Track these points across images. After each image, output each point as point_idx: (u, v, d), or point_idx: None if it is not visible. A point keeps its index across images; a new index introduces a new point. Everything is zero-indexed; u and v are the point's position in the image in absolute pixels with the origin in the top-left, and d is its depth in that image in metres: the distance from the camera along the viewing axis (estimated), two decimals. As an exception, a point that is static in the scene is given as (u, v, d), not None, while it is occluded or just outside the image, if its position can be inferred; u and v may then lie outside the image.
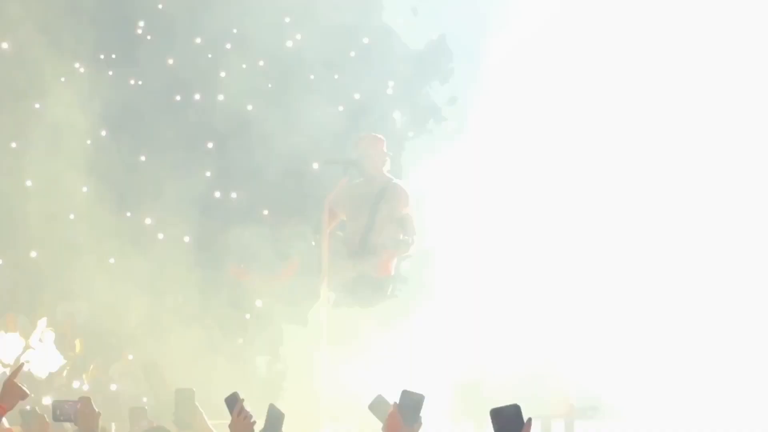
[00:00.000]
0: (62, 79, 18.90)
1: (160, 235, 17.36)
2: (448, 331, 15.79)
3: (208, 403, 13.57)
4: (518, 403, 3.88)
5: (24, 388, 5.34)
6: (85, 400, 5.36)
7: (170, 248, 17.35)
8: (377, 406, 4.75)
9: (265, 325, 15.59)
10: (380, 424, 4.50)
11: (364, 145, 10.07)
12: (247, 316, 15.18)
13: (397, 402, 4.44)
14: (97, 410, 5.35)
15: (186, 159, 18.40)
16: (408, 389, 4.48)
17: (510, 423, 3.85)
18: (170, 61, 19.55)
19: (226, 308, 16.16)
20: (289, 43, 19.71)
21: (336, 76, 19.46)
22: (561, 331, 15.04)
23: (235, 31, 19.58)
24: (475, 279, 14.94)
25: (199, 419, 5.24)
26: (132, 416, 9.06)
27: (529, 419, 3.83)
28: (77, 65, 19.44)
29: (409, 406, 4.40)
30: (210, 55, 19.80)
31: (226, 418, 6.76)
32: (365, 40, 20.01)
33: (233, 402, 4.97)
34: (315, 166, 17.66)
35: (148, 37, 19.88)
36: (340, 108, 18.84)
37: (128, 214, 17.73)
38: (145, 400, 14.10)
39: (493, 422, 3.89)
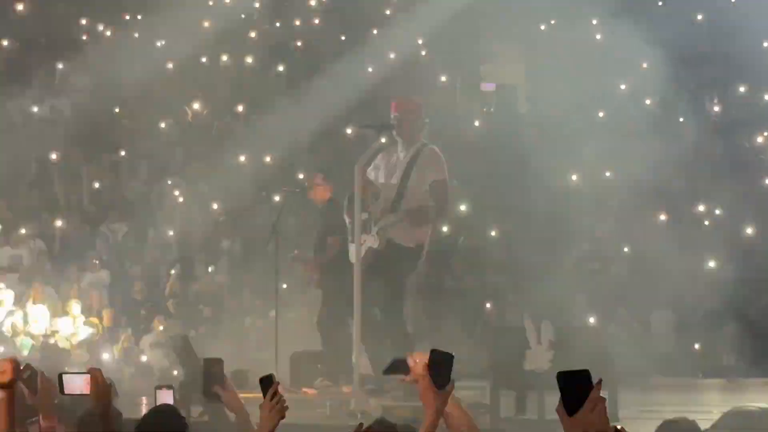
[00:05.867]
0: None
1: (186, 201, 17.43)
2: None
3: (235, 376, 13.60)
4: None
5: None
6: (95, 372, 5.11)
7: (199, 215, 17.44)
8: (395, 367, 4.42)
9: (298, 297, 15.67)
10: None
11: (400, 109, 10.05)
12: (284, 285, 15.24)
13: (427, 363, 4.27)
14: (109, 381, 5.15)
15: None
16: (436, 348, 4.31)
17: (579, 387, 3.64)
18: (205, 23, 19.58)
19: (260, 277, 16.23)
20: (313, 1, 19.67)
21: (376, 31, 19.41)
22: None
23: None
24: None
25: (228, 390, 5.15)
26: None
27: (600, 380, 3.63)
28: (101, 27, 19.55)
29: (440, 367, 4.28)
30: (243, 16, 19.83)
31: (254, 392, 6.76)
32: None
33: (268, 383, 4.82)
34: (348, 130, 17.68)
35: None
36: (370, 69, 18.81)
37: (152, 180, 17.83)
38: (175, 373, 14.20)
39: (561, 386, 3.65)
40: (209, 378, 5.16)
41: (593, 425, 3.59)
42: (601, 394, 3.61)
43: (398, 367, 4.39)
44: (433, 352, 4.33)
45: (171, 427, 5.22)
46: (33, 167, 18.00)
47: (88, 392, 5.13)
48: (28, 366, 5.56)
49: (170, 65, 18.97)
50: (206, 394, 5.21)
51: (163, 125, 18.62)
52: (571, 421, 3.60)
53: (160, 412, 5.35)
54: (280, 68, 19.21)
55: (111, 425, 5.13)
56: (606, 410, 3.62)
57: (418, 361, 4.32)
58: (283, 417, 4.82)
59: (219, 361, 5.21)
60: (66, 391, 5.20)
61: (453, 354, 4.29)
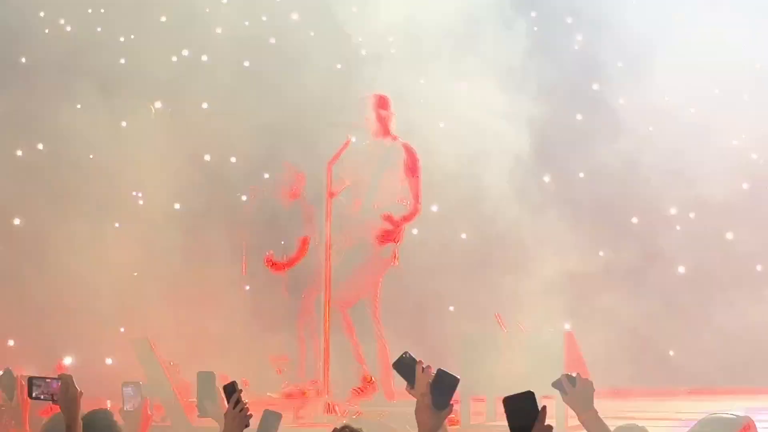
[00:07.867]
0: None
1: (146, 202, 17.32)
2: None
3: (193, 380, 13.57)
4: (532, 390, 3.70)
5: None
6: (66, 378, 5.06)
7: (159, 215, 17.32)
8: (403, 364, 4.36)
9: (265, 298, 15.64)
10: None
11: (372, 106, 10.06)
12: (247, 287, 15.17)
13: (431, 382, 4.22)
14: (79, 389, 5.06)
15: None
16: (444, 369, 4.26)
17: (525, 412, 3.69)
18: (163, 18, 19.50)
19: (221, 279, 16.17)
20: None
21: (345, 27, 19.32)
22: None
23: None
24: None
25: (221, 404, 5.11)
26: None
27: (544, 407, 3.72)
28: (62, 21, 19.43)
29: (442, 389, 4.20)
30: (207, 10, 19.72)
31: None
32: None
33: (231, 391, 4.83)
34: (318, 127, 17.58)
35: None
36: (339, 65, 18.75)
37: (110, 178, 17.71)
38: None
39: (506, 412, 3.71)
40: (202, 392, 5.19)
41: None
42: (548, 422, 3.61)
43: (407, 367, 4.35)
44: (440, 372, 4.28)
45: None
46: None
47: (56, 399, 5.05)
48: (7, 371, 5.50)
49: (134, 59, 18.85)
50: (200, 409, 5.24)
51: (124, 123, 18.51)
52: None
53: (92, 420, 5.24)
54: (246, 63, 19.13)
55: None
56: None
57: (424, 373, 4.30)
58: (247, 425, 4.78)
59: (210, 375, 5.24)
60: (34, 395, 5.14)
61: (459, 377, 4.25)
